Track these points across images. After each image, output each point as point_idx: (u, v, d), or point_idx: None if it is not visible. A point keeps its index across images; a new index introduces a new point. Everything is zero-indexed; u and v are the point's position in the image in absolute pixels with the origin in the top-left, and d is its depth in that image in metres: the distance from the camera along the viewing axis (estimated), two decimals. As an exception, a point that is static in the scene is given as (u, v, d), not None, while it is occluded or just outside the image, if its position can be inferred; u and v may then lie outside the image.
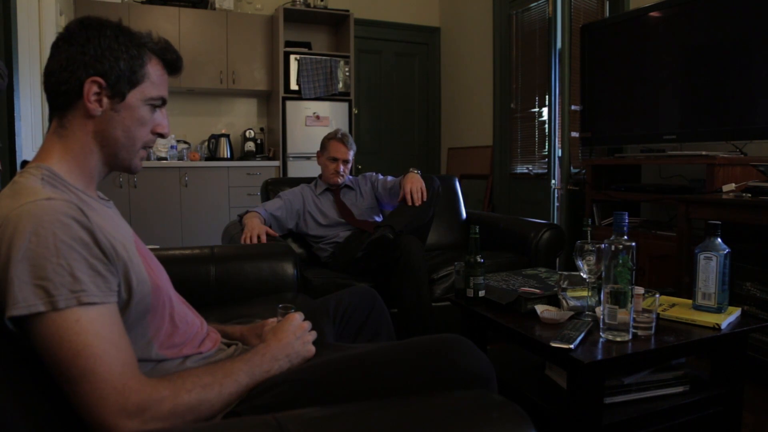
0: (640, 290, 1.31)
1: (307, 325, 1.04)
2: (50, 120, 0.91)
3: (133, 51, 0.88)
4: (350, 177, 2.67)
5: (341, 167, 2.52)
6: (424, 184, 2.31)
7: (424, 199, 2.28)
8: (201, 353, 0.99)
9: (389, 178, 2.62)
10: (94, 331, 0.73)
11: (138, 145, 0.93)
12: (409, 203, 2.26)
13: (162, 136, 0.96)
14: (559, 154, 3.50)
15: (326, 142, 2.57)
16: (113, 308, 0.78)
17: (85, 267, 0.75)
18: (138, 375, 0.76)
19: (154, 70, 0.92)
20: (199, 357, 0.98)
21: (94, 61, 0.85)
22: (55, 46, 0.87)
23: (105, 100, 0.87)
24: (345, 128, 4.59)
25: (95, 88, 0.86)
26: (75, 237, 0.75)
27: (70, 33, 0.86)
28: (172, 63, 0.95)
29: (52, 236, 0.73)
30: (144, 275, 0.88)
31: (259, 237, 2.10)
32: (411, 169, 2.40)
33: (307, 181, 2.69)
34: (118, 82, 0.87)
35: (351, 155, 2.55)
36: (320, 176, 2.63)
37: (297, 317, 1.04)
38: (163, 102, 0.95)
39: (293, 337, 0.99)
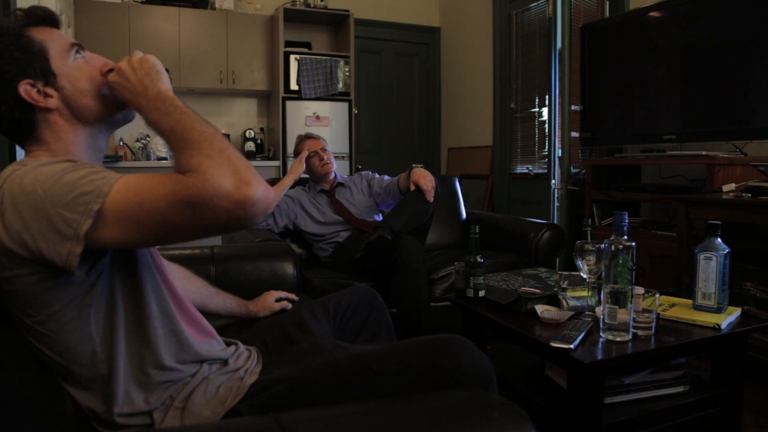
0: (640, 290, 1.30)
1: (122, 63, 0.88)
2: (23, 146, 0.91)
3: (10, 39, 0.86)
4: (343, 176, 2.68)
5: (324, 156, 2.57)
6: (434, 179, 2.32)
7: (439, 192, 2.32)
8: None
9: (386, 177, 2.62)
10: (134, 182, 0.75)
11: (106, 92, 0.91)
12: (427, 197, 2.28)
13: (112, 71, 0.92)
14: (559, 154, 3.50)
15: (299, 146, 2.64)
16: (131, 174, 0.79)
17: (95, 167, 0.78)
18: (180, 174, 0.75)
19: (41, 35, 0.89)
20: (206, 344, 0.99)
21: (0, 77, 0.84)
22: None
23: (47, 89, 0.87)
24: (345, 128, 4.62)
25: (32, 90, 0.86)
26: (69, 162, 0.79)
27: None
28: (45, 18, 0.92)
29: (53, 169, 0.76)
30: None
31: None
32: (415, 165, 2.42)
33: (304, 182, 2.70)
34: (33, 67, 0.86)
35: (326, 144, 2.63)
36: (311, 180, 2.65)
37: (110, 74, 0.90)
38: (80, 46, 0.93)
39: (125, 81, 0.86)
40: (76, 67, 0.90)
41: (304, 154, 2.52)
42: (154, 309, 0.89)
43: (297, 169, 2.50)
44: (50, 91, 0.87)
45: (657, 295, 1.30)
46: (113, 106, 0.93)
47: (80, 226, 0.72)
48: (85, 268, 0.79)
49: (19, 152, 2.69)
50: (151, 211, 0.73)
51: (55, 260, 0.74)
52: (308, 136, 2.65)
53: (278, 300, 1.49)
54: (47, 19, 0.92)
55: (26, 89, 0.85)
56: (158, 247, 1.10)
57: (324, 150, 2.59)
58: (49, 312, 0.80)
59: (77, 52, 0.92)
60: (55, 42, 0.90)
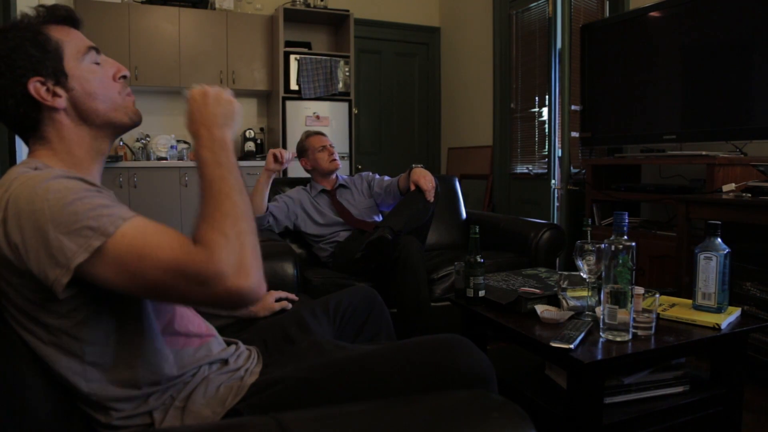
0: (640, 290, 1.30)
1: (213, 89, 0.89)
2: (26, 142, 0.91)
3: (27, 34, 0.85)
4: (344, 177, 2.68)
5: (333, 151, 2.58)
6: (434, 179, 2.32)
7: (438, 192, 2.31)
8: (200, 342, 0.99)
9: (386, 177, 2.63)
10: (143, 231, 0.75)
11: (115, 97, 0.92)
12: (427, 197, 2.28)
13: (125, 77, 0.95)
14: (559, 154, 3.50)
15: (305, 143, 2.62)
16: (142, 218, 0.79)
17: (107, 200, 0.77)
18: (190, 241, 0.75)
19: (59, 33, 0.89)
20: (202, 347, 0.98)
21: (11, 72, 0.84)
22: None
23: (57, 89, 0.86)
24: (345, 128, 4.62)
25: (41, 88, 0.85)
26: (83, 185, 0.77)
27: None
28: (66, 18, 0.91)
29: (65, 189, 0.75)
30: None
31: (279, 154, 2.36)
32: (415, 165, 2.42)
33: (305, 182, 2.70)
34: (46, 66, 0.85)
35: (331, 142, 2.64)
36: (312, 180, 2.65)
37: (197, 88, 0.89)
38: (97, 50, 0.92)
39: (203, 105, 0.87)
40: (89, 70, 0.90)
41: (270, 152, 2.42)
42: (148, 325, 0.87)
43: (269, 162, 2.39)
44: (60, 90, 0.87)
45: (657, 295, 1.30)
46: (125, 113, 0.93)
47: (74, 258, 0.71)
48: (75, 290, 0.77)
49: (19, 151, 2.69)
50: (148, 267, 0.72)
51: (42, 280, 0.73)
52: (316, 133, 2.66)
53: (278, 300, 1.50)
54: (68, 18, 0.92)
55: (35, 87, 0.85)
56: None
57: (332, 146, 2.60)
58: (41, 324, 0.79)
59: (93, 55, 0.92)
60: (72, 42, 0.89)
